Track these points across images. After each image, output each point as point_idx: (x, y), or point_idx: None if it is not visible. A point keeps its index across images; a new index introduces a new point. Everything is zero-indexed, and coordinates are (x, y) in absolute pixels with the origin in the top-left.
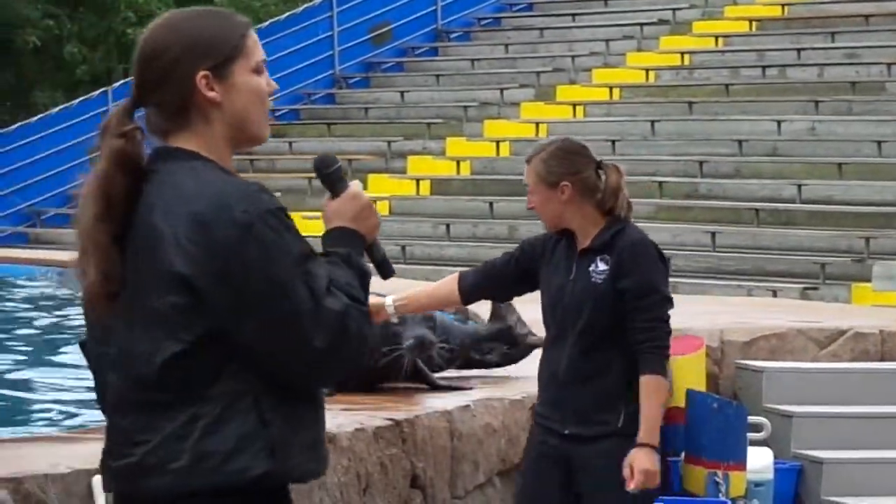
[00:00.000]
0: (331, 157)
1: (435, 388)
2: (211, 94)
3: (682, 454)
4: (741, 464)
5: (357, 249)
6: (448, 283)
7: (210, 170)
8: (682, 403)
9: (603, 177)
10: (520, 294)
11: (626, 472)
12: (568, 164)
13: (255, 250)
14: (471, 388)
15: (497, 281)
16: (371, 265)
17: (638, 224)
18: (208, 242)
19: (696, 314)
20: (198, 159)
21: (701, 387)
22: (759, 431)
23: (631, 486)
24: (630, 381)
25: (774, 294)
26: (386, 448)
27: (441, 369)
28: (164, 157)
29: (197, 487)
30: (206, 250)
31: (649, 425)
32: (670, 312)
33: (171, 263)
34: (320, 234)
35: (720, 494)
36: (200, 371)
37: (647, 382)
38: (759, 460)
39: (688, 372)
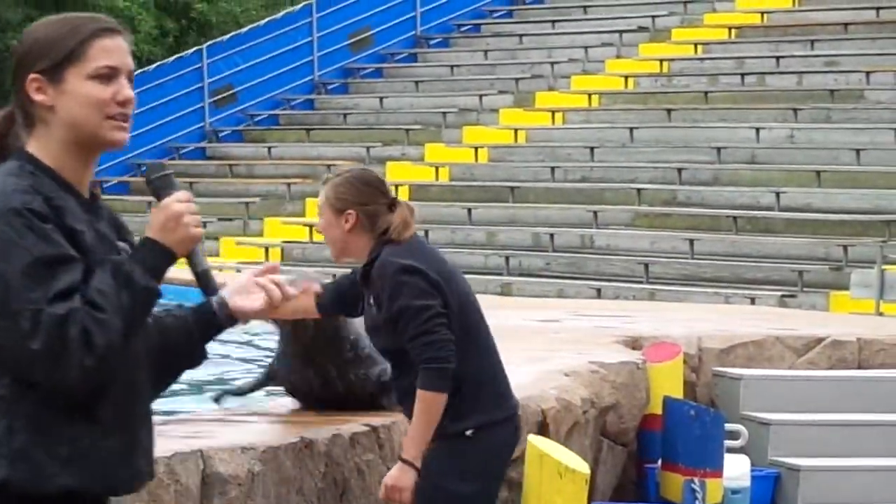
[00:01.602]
0: (159, 165)
1: None
2: (39, 97)
3: (659, 461)
4: (718, 471)
5: (150, 261)
6: (305, 296)
7: (8, 170)
8: (658, 410)
9: (395, 210)
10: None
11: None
12: (357, 194)
13: None
14: None
15: (349, 298)
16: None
17: (616, 231)
18: None
19: (673, 321)
20: (20, 159)
21: (678, 394)
22: (736, 439)
23: (381, 495)
24: None
25: (752, 301)
26: (363, 454)
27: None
28: (10, 158)
29: None
30: None
31: (408, 440)
32: (428, 316)
33: None
34: (299, 238)
35: (697, 501)
36: None
37: (417, 398)
38: (737, 468)
39: (665, 379)
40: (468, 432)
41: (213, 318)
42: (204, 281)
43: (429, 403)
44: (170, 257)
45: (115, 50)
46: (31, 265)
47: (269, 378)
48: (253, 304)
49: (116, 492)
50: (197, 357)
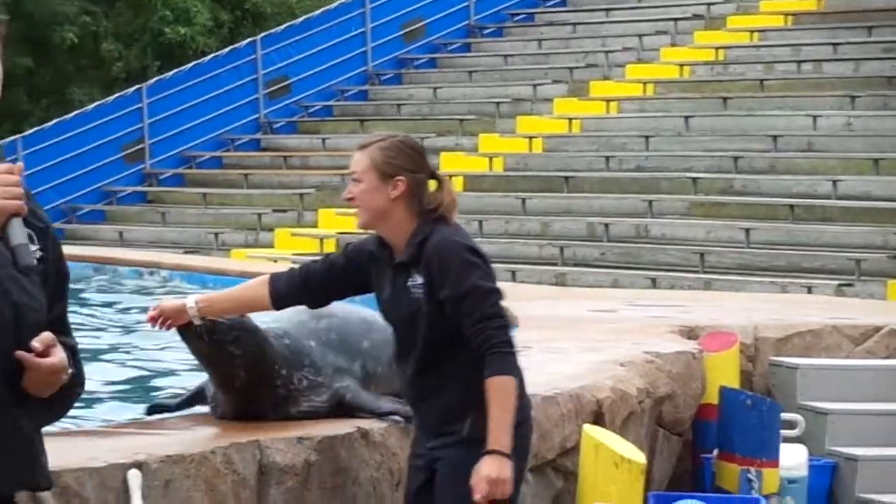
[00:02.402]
0: None
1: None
2: None
3: (715, 451)
4: (775, 461)
5: None
6: (257, 286)
7: None
8: (715, 400)
9: (442, 187)
10: (339, 299)
11: (472, 479)
12: (409, 162)
13: None
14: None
15: (317, 286)
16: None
17: (672, 221)
18: None
19: (729, 311)
20: None
21: (734, 384)
22: (792, 428)
23: (476, 497)
24: (474, 389)
25: (809, 290)
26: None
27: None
28: None
29: None
30: None
31: (496, 430)
32: (497, 300)
33: None
34: (353, 229)
35: (753, 491)
36: None
37: (490, 386)
38: (793, 457)
39: (721, 369)
40: None
41: None
42: (15, 256)
43: (507, 388)
44: None
45: None
46: None
47: (200, 398)
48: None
49: None
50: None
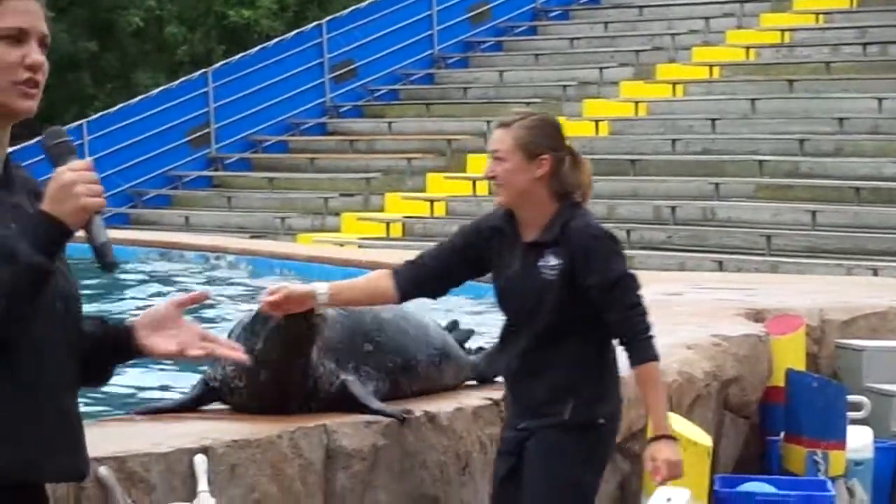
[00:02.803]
0: (57, 131)
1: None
2: None
3: (782, 434)
4: (841, 443)
5: (39, 233)
6: (381, 279)
7: None
8: (781, 383)
9: (582, 167)
10: (459, 285)
11: (647, 466)
12: (552, 140)
13: None
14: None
15: (438, 275)
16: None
17: (738, 203)
18: None
19: (795, 293)
20: None
21: (801, 366)
22: (858, 410)
23: (658, 479)
24: (584, 374)
25: (875, 273)
26: (485, 427)
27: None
28: None
29: None
30: None
31: (659, 415)
32: (639, 287)
33: None
34: (420, 213)
35: (819, 473)
36: None
37: (640, 372)
38: (859, 439)
39: (788, 351)
40: (601, 420)
41: (124, 346)
42: (101, 255)
43: (656, 373)
44: (61, 229)
45: (26, 11)
46: None
47: (208, 397)
48: (164, 346)
49: (31, 484)
50: (104, 376)
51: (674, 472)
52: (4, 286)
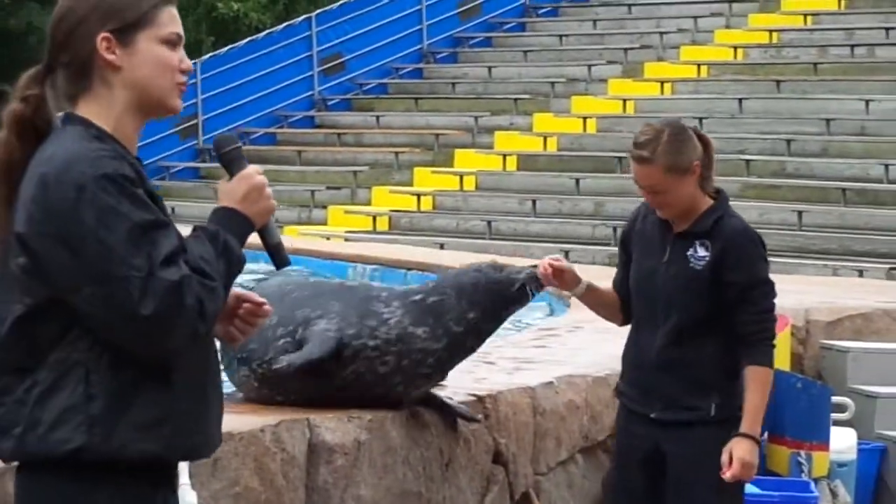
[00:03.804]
0: (230, 137)
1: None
2: (110, 56)
3: (766, 434)
4: (825, 444)
5: (236, 230)
6: (614, 297)
7: (79, 135)
8: None
9: (709, 150)
10: None
11: (724, 458)
12: (692, 145)
13: (90, 213)
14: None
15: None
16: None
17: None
18: (46, 202)
19: (781, 293)
20: (82, 125)
21: (785, 366)
22: (843, 412)
23: (727, 474)
24: (725, 369)
25: (860, 274)
26: (469, 423)
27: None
28: (62, 124)
29: (30, 455)
30: (44, 210)
31: (753, 417)
32: (775, 300)
33: (16, 224)
34: (407, 207)
35: (803, 474)
36: (43, 337)
37: (754, 373)
38: (843, 441)
39: None
40: (739, 414)
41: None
42: (277, 254)
43: (767, 379)
44: (250, 227)
45: (177, 18)
46: (131, 231)
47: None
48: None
49: (191, 457)
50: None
51: (745, 473)
52: (223, 277)
